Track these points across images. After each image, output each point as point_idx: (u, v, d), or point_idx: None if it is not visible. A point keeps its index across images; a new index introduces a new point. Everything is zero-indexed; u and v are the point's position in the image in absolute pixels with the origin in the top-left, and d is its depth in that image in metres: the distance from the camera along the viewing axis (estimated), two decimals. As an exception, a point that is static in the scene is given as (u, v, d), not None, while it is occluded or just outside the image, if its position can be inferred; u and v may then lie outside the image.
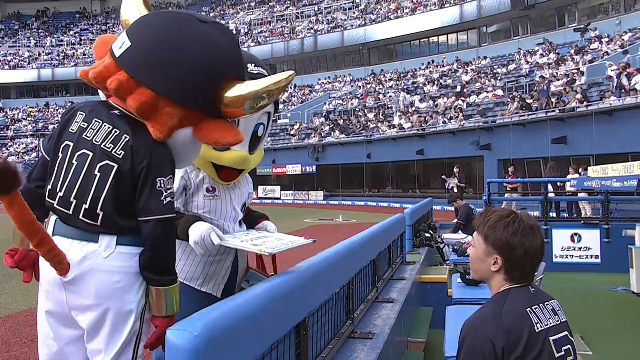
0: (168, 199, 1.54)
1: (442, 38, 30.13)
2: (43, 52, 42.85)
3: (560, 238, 7.67)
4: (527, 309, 1.33)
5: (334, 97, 30.82)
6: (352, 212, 18.46)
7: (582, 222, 8.11)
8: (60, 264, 1.50)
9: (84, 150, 1.55)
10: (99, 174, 1.52)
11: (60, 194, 1.55)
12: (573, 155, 14.68)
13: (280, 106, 31.53)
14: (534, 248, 1.36)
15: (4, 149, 35.60)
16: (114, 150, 1.53)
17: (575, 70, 17.87)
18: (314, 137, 26.17)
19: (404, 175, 23.82)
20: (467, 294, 3.79)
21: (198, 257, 1.90)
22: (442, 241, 6.94)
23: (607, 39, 20.16)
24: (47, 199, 1.59)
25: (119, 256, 1.54)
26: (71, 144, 1.57)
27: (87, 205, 1.52)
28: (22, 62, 41.70)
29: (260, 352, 1.37)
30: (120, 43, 1.59)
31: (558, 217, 10.25)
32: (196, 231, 1.77)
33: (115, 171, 1.52)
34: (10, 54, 42.47)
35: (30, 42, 44.01)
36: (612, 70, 15.60)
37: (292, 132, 27.85)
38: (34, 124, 38.55)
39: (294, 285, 1.66)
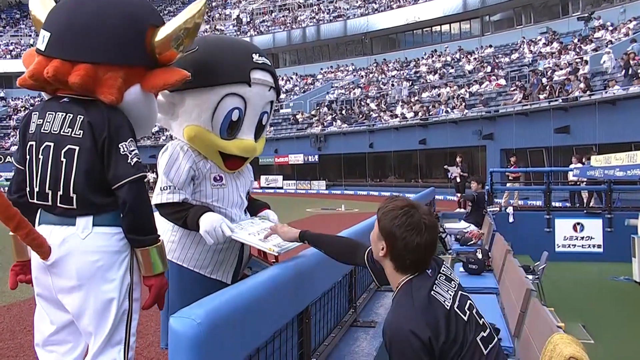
0: (135, 159, 1.60)
1: (445, 27, 29.80)
2: (45, 41, 42.58)
3: (563, 227, 7.65)
4: (432, 293, 1.36)
5: (337, 87, 30.64)
6: (354, 202, 18.47)
7: (585, 211, 8.08)
8: (41, 248, 1.56)
9: (46, 143, 1.62)
10: (65, 160, 1.59)
11: (37, 189, 1.62)
12: (576, 145, 14.58)
13: (283, 95, 31.40)
14: (415, 244, 1.37)
15: (6, 138, 35.62)
16: (73, 132, 1.59)
17: (579, 60, 17.68)
18: (316, 126, 26.08)
19: (407, 164, 23.76)
20: (469, 284, 3.79)
21: (207, 245, 1.91)
22: (444, 231, 6.93)
23: (611, 28, 19.91)
24: (29, 200, 1.65)
25: (97, 237, 1.59)
26: (34, 143, 1.64)
27: (61, 192, 1.59)
28: (24, 52, 41.40)
29: (263, 339, 1.37)
30: (42, 38, 1.65)
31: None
32: (207, 221, 1.80)
33: (79, 152, 1.59)
34: (12, 43, 42.28)
35: (32, 32, 43.73)
36: (609, 60, 15.39)
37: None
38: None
39: (297, 274, 1.64)
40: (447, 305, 1.35)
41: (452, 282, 1.43)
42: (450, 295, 1.38)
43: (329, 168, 25.96)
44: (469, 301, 1.42)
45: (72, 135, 1.59)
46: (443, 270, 1.44)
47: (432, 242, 1.41)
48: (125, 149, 1.59)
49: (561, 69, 17.72)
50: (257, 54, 1.95)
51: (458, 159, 13.72)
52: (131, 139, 1.62)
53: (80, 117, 1.59)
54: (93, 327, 1.60)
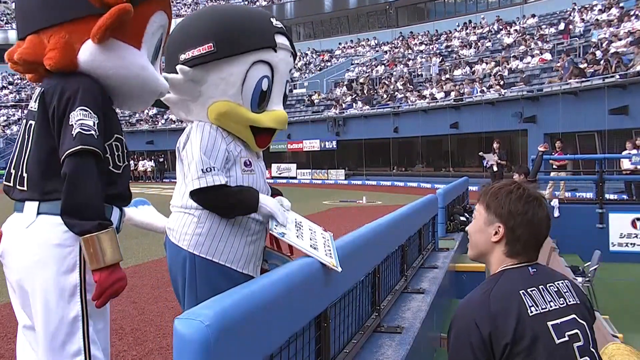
0: (77, 130, 1.54)
1: (482, -6, 29.32)
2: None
3: (619, 224, 7.50)
4: (521, 291, 1.35)
5: (357, 64, 30.46)
6: (377, 193, 18.48)
7: (644, 205, 7.91)
8: None
9: (24, 121, 1.72)
10: (27, 137, 1.66)
11: (9, 170, 1.70)
12: (636, 128, 14.24)
13: (296, 74, 31.39)
14: (537, 217, 1.40)
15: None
16: (34, 106, 1.66)
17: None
18: (334, 109, 26.03)
19: (436, 151, 23.61)
20: (509, 285, 3.74)
21: (238, 237, 1.92)
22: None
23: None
24: (4, 182, 1.71)
25: (39, 227, 1.60)
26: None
27: (19, 172, 1.66)
28: (-1, 22, 41.03)
29: (277, 345, 1.38)
30: None
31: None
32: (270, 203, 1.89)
33: (34, 127, 1.64)
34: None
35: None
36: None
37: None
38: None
39: (315, 272, 1.65)
40: (531, 312, 1.32)
41: (563, 299, 1.38)
42: (549, 308, 1.35)
43: (348, 155, 25.95)
44: (577, 330, 1.36)
45: (34, 109, 1.66)
46: (557, 284, 1.41)
47: (549, 217, 1.44)
48: (73, 119, 1.55)
49: (620, 40, 17.22)
50: (274, 18, 2.03)
51: (495, 145, 13.53)
52: (82, 107, 1.56)
53: (40, 90, 1.66)
54: (39, 332, 1.59)
